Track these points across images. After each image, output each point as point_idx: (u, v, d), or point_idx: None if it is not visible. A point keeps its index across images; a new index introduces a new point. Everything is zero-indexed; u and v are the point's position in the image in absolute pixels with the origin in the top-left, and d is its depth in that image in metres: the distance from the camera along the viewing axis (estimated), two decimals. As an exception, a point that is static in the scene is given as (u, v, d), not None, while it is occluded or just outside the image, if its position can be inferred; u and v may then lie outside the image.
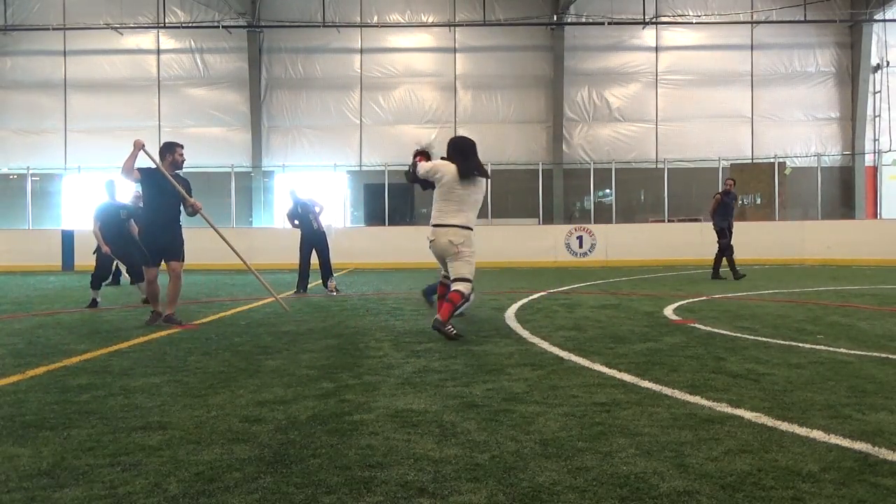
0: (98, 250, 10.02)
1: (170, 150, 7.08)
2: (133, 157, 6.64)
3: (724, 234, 12.67)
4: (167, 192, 6.87)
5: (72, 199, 22.62)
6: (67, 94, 23.37)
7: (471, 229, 6.00)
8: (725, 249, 12.63)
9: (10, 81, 23.36)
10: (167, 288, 7.06)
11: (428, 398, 3.67)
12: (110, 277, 13.12)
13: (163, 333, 6.26)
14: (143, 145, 6.74)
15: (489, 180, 6.19)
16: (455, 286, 5.87)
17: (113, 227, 9.10)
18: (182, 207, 7.05)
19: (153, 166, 6.86)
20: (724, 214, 12.71)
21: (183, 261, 7.06)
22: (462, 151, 6.08)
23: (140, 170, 6.74)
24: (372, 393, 3.80)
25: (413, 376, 4.23)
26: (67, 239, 19.29)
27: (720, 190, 13.17)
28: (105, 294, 11.00)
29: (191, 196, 6.97)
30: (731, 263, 12.61)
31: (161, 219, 6.91)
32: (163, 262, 6.98)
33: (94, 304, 8.94)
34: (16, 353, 5.27)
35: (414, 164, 6.42)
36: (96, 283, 9.20)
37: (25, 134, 23.37)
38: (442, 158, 6.24)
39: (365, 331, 6.33)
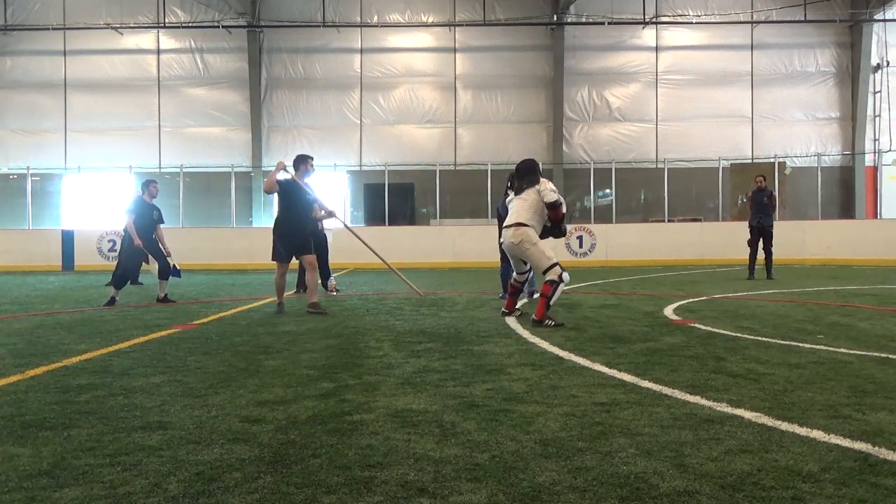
0: (122, 249, 10.45)
1: (303, 162, 8.20)
2: (275, 174, 7.79)
3: (752, 231, 12.75)
4: (301, 201, 7.96)
5: (72, 199, 22.61)
6: (67, 94, 23.35)
7: (526, 225, 6.80)
8: (750, 245, 12.78)
9: (10, 81, 23.34)
10: (306, 279, 8.22)
11: (428, 398, 3.67)
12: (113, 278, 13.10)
13: (163, 333, 6.26)
14: (285, 166, 7.98)
15: (537, 187, 6.92)
16: (546, 277, 6.66)
17: (145, 224, 9.32)
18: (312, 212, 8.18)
19: (289, 178, 7.95)
20: (754, 212, 12.78)
21: (313, 254, 8.17)
22: (517, 174, 7.22)
23: (278, 182, 7.84)
24: (372, 393, 3.80)
25: (413, 376, 4.23)
26: (67, 239, 19.29)
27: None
28: (105, 294, 10.99)
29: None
30: (750, 260, 12.76)
31: (295, 223, 7.90)
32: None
33: (111, 302, 8.95)
34: (16, 353, 5.27)
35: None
36: (119, 281, 9.31)
37: (25, 134, 23.35)
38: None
39: (365, 331, 6.33)
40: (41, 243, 19.52)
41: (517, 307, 7.49)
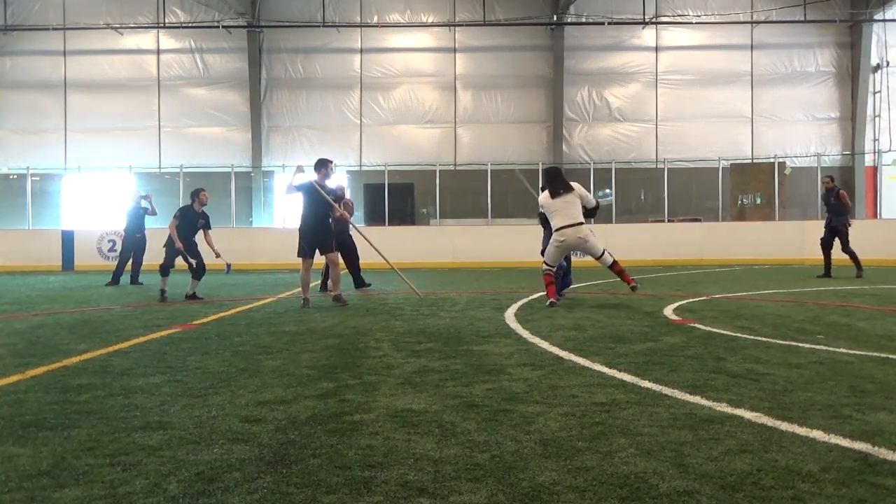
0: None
1: (323, 165, 8.78)
2: (293, 178, 8.60)
3: (826, 231, 12.92)
4: (320, 201, 8.48)
5: (72, 199, 22.60)
6: (67, 94, 23.35)
7: (582, 222, 8.15)
8: (822, 245, 12.94)
9: (10, 81, 23.33)
10: (330, 273, 9.07)
11: (428, 398, 3.67)
12: (113, 278, 13.18)
13: (163, 333, 6.26)
14: (303, 169, 8.80)
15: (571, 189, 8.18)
16: (607, 259, 8.19)
17: (189, 229, 9.83)
18: (330, 212, 8.70)
19: (309, 181, 8.53)
20: (828, 213, 13.01)
21: (335, 251, 8.83)
22: (549, 178, 8.37)
23: (297, 186, 8.52)
24: (372, 393, 3.81)
25: (413, 376, 4.23)
26: (67, 239, 19.28)
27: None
28: (105, 294, 11.02)
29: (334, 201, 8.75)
30: (825, 260, 12.88)
31: (315, 222, 8.52)
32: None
33: (163, 295, 9.43)
34: (16, 353, 5.27)
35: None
36: (164, 270, 9.79)
37: (25, 134, 23.35)
38: (541, 188, 8.69)
39: (365, 331, 6.33)
40: (41, 243, 19.51)
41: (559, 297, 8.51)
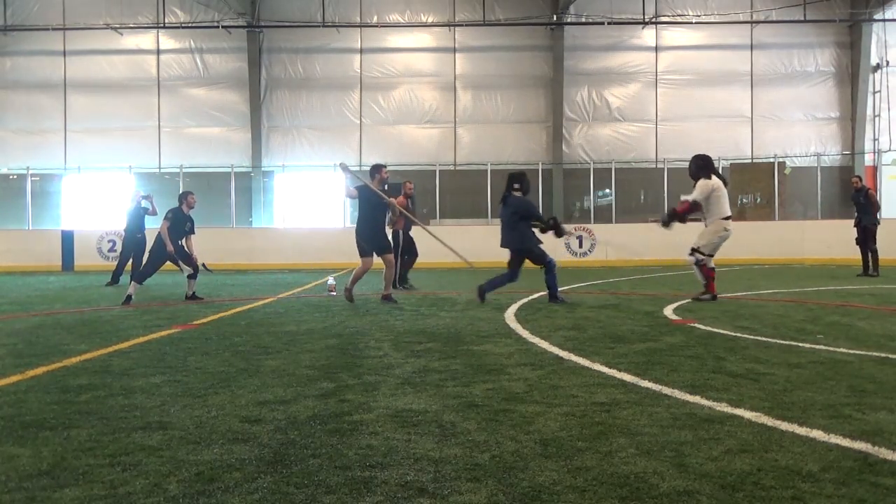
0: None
1: (377, 171, 9.07)
2: (347, 181, 9.25)
3: (857, 231, 13.05)
4: (376, 205, 8.80)
5: (72, 199, 22.60)
6: (67, 94, 23.34)
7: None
8: (858, 245, 13.08)
9: (10, 81, 23.32)
10: (385, 273, 9.02)
11: (428, 398, 3.67)
12: (113, 278, 13.18)
13: (163, 333, 6.26)
14: (347, 167, 9.05)
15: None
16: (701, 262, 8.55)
17: (177, 232, 9.75)
18: (387, 214, 9.20)
19: (364, 184, 8.79)
20: (857, 212, 13.15)
21: (391, 253, 9.16)
22: (709, 166, 8.48)
23: (356, 188, 8.82)
24: (372, 393, 3.81)
25: (413, 376, 4.24)
26: (67, 239, 19.28)
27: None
28: (105, 294, 11.01)
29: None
30: (869, 258, 12.97)
31: (372, 224, 8.83)
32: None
33: (129, 300, 9.05)
34: (16, 353, 5.27)
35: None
36: (140, 277, 9.60)
37: (25, 134, 23.34)
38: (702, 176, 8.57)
39: (365, 331, 6.33)
40: (41, 243, 19.51)
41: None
